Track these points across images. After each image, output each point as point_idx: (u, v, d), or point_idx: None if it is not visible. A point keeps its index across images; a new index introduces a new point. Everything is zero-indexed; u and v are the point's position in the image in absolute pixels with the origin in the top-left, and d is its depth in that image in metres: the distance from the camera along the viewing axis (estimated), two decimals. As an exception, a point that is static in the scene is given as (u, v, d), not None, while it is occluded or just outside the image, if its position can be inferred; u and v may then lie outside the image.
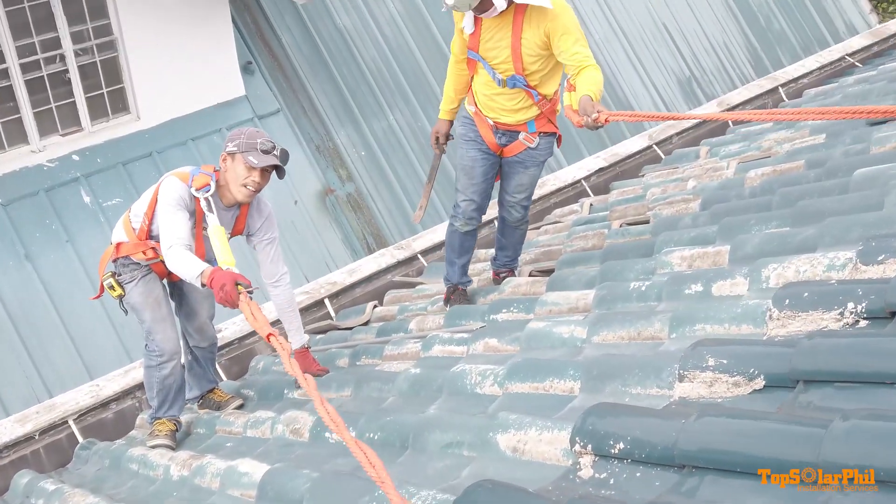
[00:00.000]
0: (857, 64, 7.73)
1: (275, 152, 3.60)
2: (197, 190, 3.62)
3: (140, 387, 4.70)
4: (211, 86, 7.61)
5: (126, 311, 3.99)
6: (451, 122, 4.35)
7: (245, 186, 3.62)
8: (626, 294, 3.08)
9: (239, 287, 3.25)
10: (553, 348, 2.92)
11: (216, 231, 3.57)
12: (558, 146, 4.19)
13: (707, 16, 10.11)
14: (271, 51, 8.12)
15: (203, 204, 3.62)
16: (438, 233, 6.11)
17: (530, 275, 4.66)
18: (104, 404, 4.75)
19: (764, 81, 7.42)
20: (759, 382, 1.91)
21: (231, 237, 3.88)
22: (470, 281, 4.47)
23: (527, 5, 3.66)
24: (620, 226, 4.83)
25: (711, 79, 9.84)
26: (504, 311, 3.75)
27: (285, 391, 4.13)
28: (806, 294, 2.15)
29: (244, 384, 4.62)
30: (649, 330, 2.60)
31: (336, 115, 8.17)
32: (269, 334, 2.96)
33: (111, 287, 3.84)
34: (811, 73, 7.58)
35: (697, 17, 10.05)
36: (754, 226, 3.34)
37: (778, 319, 2.17)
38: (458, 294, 4.40)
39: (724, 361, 1.98)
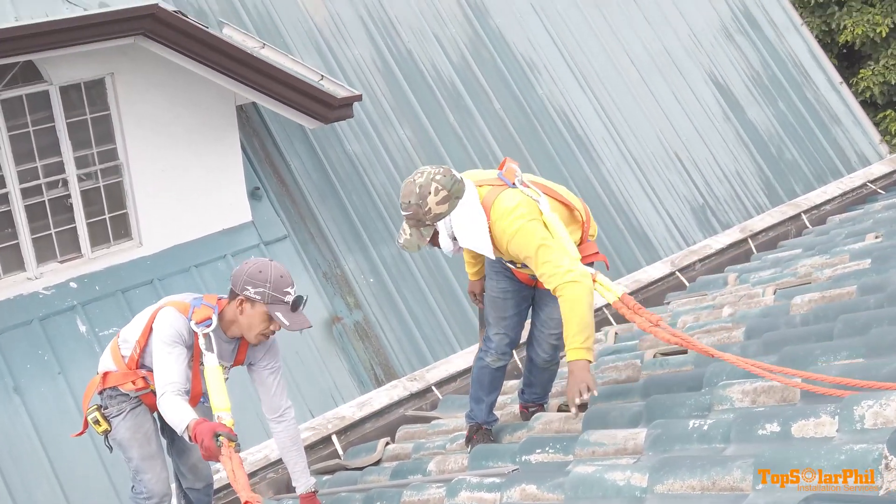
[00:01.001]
0: (879, 191, 7.57)
1: (302, 305, 3.31)
2: (197, 324, 3.31)
3: (128, 535, 4.24)
4: (217, 211, 7.41)
5: (111, 449, 3.61)
6: (483, 279, 4.05)
7: (262, 335, 3.35)
8: (685, 434, 2.71)
9: (221, 438, 2.97)
10: (606, 498, 2.53)
11: (213, 373, 3.27)
12: (607, 268, 3.87)
13: (718, 145, 10.06)
14: (279, 176, 7.97)
15: (202, 342, 3.29)
16: (453, 363, 5.77)
17: (559, 409, 4.28)
18: (87, 555, 4.28)
19: (786, 208, 7.23)
20: (900, 553, 1.54)
21: (231, 367, 3.56)
22: (496, 419, 4.07)
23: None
24: (655, 356, 4.48)
25: (726, 207, 9.68)
26: (538, 451, 3.36)
27: (290, 544, 3.68)
28: (930, 438, 1.80)
29: (243, 533, 4.16)
30: (727, 479, 2.22)
31: (344, 241, 7.94)
32: (247, 502, 2.75)
33: (96, 422, 3.48)
34: (833, 199, 7.42)
35: (709, 146, 9.99)
36: (820, 356, 3.00)
37: (897, 469, 1.81)
38: (481, 433, 4.00)
39: (851, 525, 1.61)
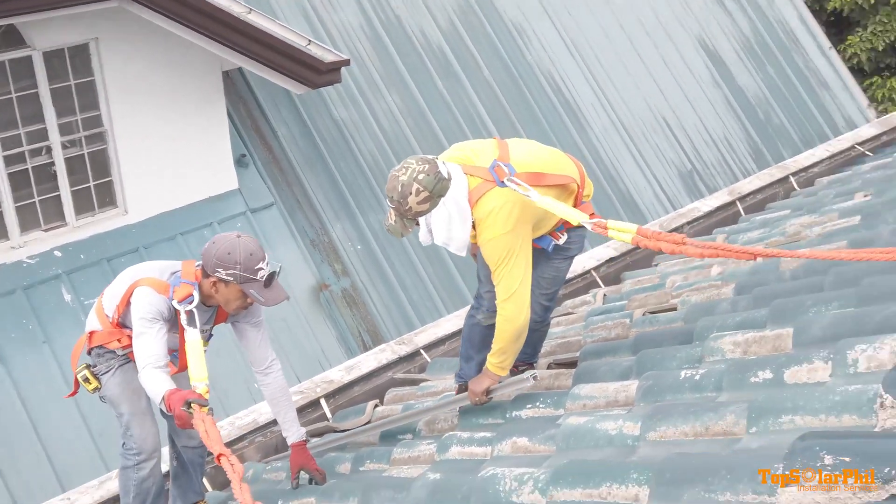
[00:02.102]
0: (867, 153, 7.55)
1: (276, 274, 3.29)
2: (178, 302, 3.30)
3: (117, 500, 4.22)
4: (203, 179, 7.34)
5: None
6: None
7: (240, 307, 3.39)
8: (677, 384, 2.70)
9: (193, 406, 3.02)
10: (599, 447, 2.51)
11: (193, 346, 3.29)
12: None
13: (706, 110, 10.02)
14: (266, 143, 7.89)
15: (183, 318, 3.29)
16: (441, 326, 5.74)
17: (548, 367, 4.26)
18: (75, 519, 4.25)
19: (775, 170, 7.20)
20: (899, 484, 1.52)
21: (215, 325, 3.58)
22: (485, 377, 4.05)
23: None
24: (644, 314, 4.46)
25: (713, 172, 9.66)
26: (528, 406, 3.34)
27: (279, 502, 3.66)
28: (926, 375, 1.79)
29: (231, 496, 4.14)
30: (720, 424, 2.20)
31: (332, 208, 7.89)
32: (220, 454, 2.78)
33: (86, 380, 3.48)
34: (821, 161, 7.38)
35: (697, 111, 9.96)
36: (812, 307, 2.99)
37: (893, 408, 1.79)
38: (471, 392, 3.98)
39: (847, 459, 1.59)
